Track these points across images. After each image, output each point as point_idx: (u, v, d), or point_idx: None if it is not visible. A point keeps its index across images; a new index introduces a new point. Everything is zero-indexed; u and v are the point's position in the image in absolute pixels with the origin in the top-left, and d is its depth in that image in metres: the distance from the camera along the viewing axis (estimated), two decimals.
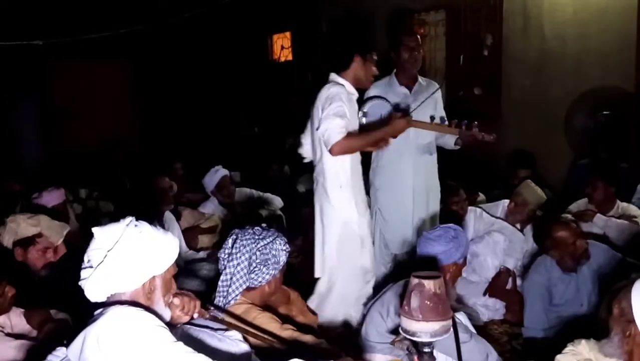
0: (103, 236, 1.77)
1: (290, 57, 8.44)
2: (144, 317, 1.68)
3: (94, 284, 1.73)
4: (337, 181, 3.14)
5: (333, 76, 3.22)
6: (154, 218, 3.94)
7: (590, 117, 5.08)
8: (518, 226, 4.11)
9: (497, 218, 4.14)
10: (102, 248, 1.74)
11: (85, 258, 1.77)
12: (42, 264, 3.04)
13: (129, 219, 1.82)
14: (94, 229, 1.79)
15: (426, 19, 6.43)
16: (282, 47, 8.54)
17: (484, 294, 3.89)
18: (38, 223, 3.10)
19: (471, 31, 5.98)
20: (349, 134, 3.00)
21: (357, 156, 3.24)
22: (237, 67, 8.73)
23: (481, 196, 4.77)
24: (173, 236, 1.90)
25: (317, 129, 3.06)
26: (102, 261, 1.72)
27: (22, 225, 3.07)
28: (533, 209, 4.13)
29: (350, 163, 3.16)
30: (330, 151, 2.96)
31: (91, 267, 1.74)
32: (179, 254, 1.91)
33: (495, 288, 3.90)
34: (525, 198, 4.10)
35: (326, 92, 3.11)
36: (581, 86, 5.13)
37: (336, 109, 2.99)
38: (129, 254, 1.74)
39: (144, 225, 1.82)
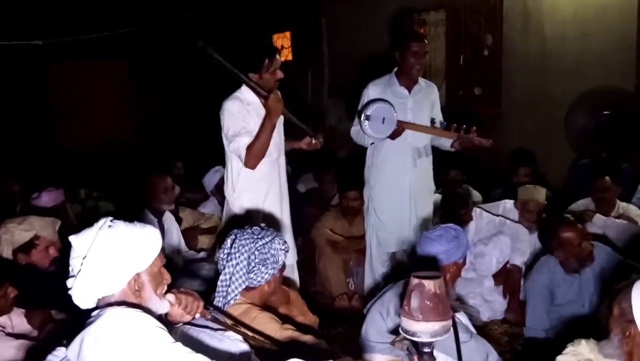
0: (78, 243, 1.75)
1: (290, 57, 8.43)
2: (142, 318, 1.67)
3: (79, 292, 1.72)
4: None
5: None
6: (154, 218, 3.95)
7: (590, 117, 5.07)
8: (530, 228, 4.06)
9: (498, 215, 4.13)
10: (79, 255, 1.73)
11: (70, 268, 1.76)
12: (48, 262, 3.14)
13: (102, 221, 1.79)
14: (71, 238, 1.77)
15: (426, 19, 6.43)
16: (282, 47, 8.53)
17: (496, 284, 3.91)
18: (31, 226, 3.12)
19: (471, 31, 5.98)
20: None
21: None
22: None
23: (474, 192, 4.70)
24: (153, 228, 1.86)
25: None
26: (80, 269, 1.71)
27: (16, 233, 3.08)
28: (541, 207, 4.08)
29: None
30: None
31: (73, 276, 1.73)
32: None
33: (502, 277, 3.91)
34: (536, 199, 4.05)
35: None
36: (581, 85, 5.12)
37: None
38: (105, 257, 1.72)
39: (118, 224, 1.78)
